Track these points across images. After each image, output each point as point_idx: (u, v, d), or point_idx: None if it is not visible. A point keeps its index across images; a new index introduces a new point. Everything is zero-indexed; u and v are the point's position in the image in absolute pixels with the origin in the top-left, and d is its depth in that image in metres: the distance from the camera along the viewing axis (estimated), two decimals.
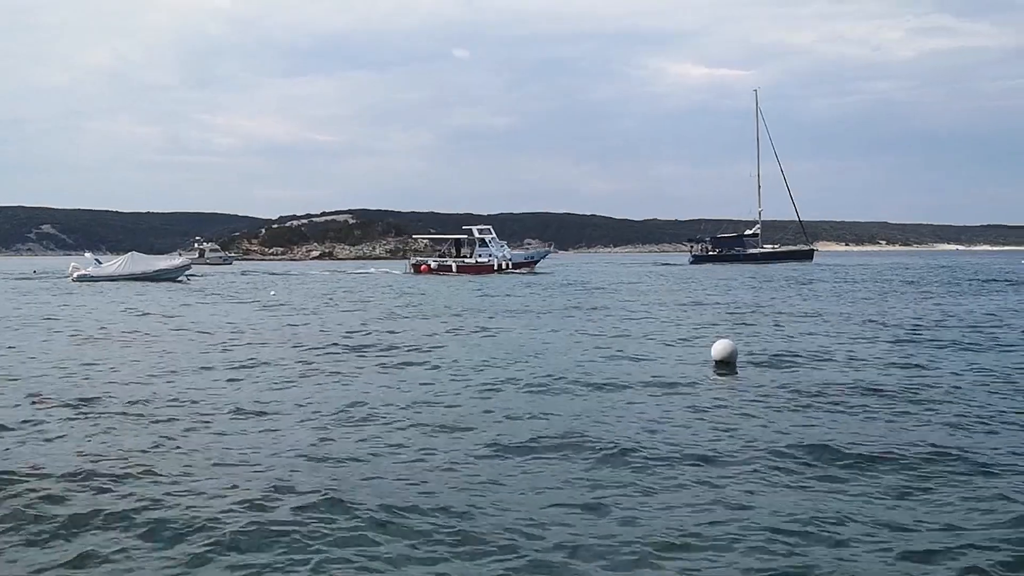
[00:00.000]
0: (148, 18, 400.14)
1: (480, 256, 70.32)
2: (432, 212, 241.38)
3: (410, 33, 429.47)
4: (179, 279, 57.13)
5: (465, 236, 73.50)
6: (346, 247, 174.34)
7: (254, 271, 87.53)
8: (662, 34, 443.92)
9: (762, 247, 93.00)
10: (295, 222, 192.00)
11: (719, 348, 16.25)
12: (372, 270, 77.90)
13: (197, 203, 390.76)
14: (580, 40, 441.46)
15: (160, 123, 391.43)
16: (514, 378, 14.49)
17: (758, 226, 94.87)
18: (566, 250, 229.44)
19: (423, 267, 70.73)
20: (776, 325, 23.71)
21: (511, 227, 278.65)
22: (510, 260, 71.14)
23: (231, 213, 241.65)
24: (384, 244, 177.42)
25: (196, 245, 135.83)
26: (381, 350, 18.68)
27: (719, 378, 14.75)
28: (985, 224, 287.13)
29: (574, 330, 23.10)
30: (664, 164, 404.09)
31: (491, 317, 27.58)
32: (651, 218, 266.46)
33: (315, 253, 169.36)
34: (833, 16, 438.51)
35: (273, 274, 76.46)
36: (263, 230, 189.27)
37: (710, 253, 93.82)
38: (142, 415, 11.42)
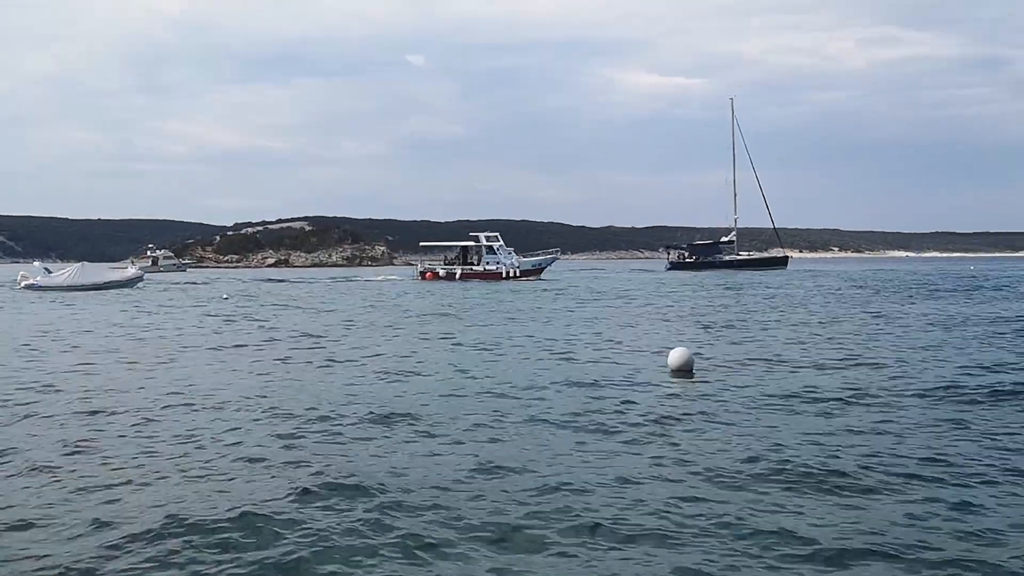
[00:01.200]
0: (90, 24, 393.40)
1: (488, 263, 70.34)
2: (389, 219, 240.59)
3: (364, 41, 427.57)
4: (133, 289, 56.10)
5: (472, 243, 73.12)
6: (302, 254, 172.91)
7: (230, 278, 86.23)
8: (614, 43, 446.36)
9: (738, 254, 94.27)
10: (250, 229, 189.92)
11: (675, 356, 16.28)
12: (380, 278, 77.16)
13: (149, 210, 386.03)
14: (534, 49, 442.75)
15: (110, 130, 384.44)
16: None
17: (734, 233, 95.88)
18: (523, 256, 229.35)
19: (429, 274, 70.94)
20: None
21: (468, 234, 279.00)
22: (518, 267, 71.23)
23: (184, 220, 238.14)
24: (341, 251, 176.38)
25: (149, 253, 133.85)
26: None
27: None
28: (934, 231, 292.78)
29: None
30: (619, 172, 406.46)
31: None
32: (608, 225, 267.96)
33: (270, 260, 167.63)
34: (783, 27, 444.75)
35: (271, 280, 76.61)
36: (217, 237, 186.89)
37: (687, 260, 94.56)
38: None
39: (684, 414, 12.03)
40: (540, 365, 17.54)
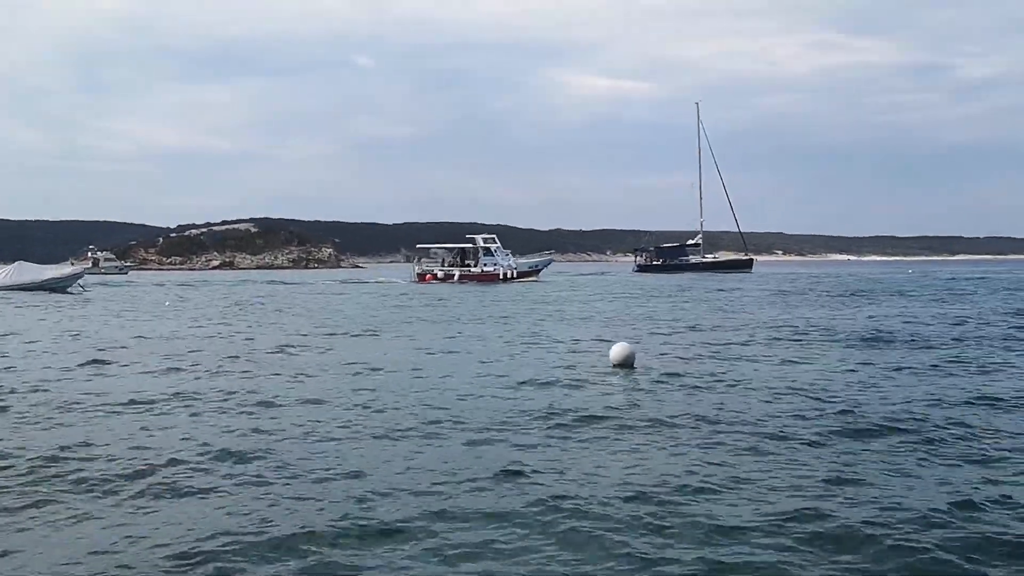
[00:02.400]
0: (30, 22, 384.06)
1: (485, 265, 70.02)
2: (336, 221, 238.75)
3: (311, 40, 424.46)
4: (70, 289, 54.90)
5: (470, 245, 72.80)
6: (247, 256, 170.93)
7: (210, 281, 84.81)
8: (562, 46, 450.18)
9: (703, 257, 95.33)
10: (194, 231, 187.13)
11: (616, 351, 16.44)
12: (381, 279, 76.11)
13: (91, 211, 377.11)
14: (483, 50, 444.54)
15: (50, 128, 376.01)
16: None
17: (700, 236, 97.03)
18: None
19: (428, 276, 70.68)
20: None
21: (416, 236, 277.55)
22: (515, 269, 71.06)
23: (126, 222, 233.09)
24: (288, 253, 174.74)
25: (90, 254, 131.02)
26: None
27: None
28: (874, 235, 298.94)
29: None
30: (566, 174, 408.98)
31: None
32: (556, 228, 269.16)
33: (215, 263, 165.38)
34: (729, 32, 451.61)
35: (274, 282, 75.29)
36: (160, 239, 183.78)
37: (654, 263, 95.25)
38: None
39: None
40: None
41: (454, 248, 75.04)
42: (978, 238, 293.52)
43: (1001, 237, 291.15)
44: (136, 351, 19.58)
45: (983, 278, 64.21)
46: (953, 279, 63.40)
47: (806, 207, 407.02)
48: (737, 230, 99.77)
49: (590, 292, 50.81)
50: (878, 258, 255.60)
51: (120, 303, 42.82)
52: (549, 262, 79.30)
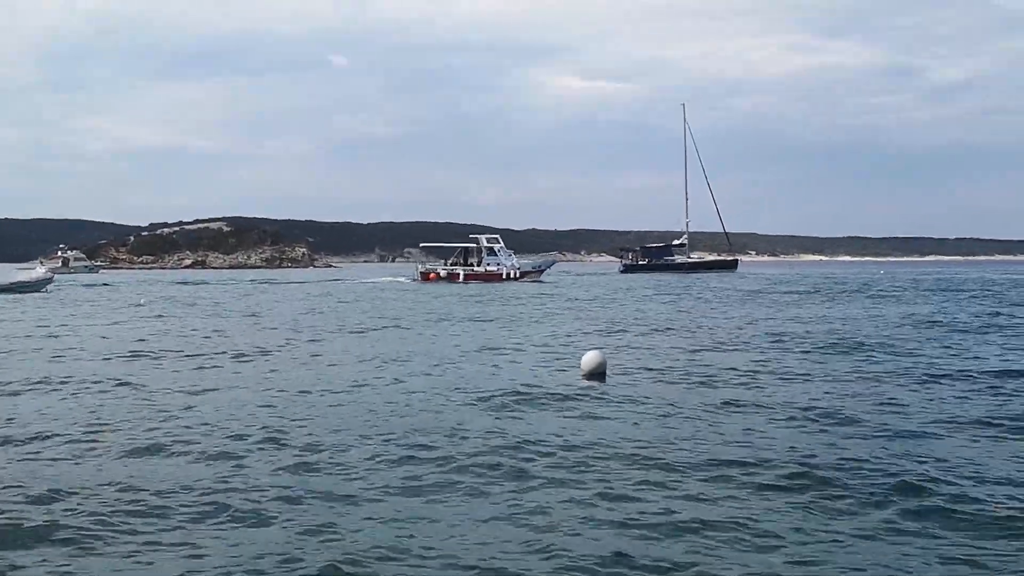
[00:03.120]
0: (3, 19, 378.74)
1: (489, 265, 70.59)
2: (310, 220, 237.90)
3: (289, 39, 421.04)
4: (41, 292, 54.00)
5: (473, 245, 73.23)
6: (220, 256, 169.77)
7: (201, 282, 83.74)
8: (541, 46, 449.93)
9: (689, 257, 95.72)
10: (166, 230, 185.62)
11: (588, 360, 16.27)
12: (388, 278, 75.81)
13: (63, 210, 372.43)
14: (461, 50, 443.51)
15: (22, 126, 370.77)
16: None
17: (685, 236, 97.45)
18: (447, 259, 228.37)
19: (431, 275, 71.25)
20: None
21: (391, 236, 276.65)
22: (519, 269, 71.49)
23: (99, 220, 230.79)
24: (260, 252, 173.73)
25: (60, 253, 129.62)
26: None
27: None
28: (847, 236, 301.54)
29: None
30: (543, 174, 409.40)
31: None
32: (531, 228, 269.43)
33: (187, 262, 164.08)
34: (706, 33, 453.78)
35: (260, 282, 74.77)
36: (132, 238, 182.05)
37: (640, 263, 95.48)
38: None
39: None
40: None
41: (458, 248, 75.38)
42: (947, 239, 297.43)
43: (970, 238, 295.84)
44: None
45: (937, 278, 64.91)
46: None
47: (779, 208, 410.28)
48: (722, 230, 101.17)
49: (586, 292, 50.66)
50: (850, 259, 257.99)
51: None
52: (552, 263, 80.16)
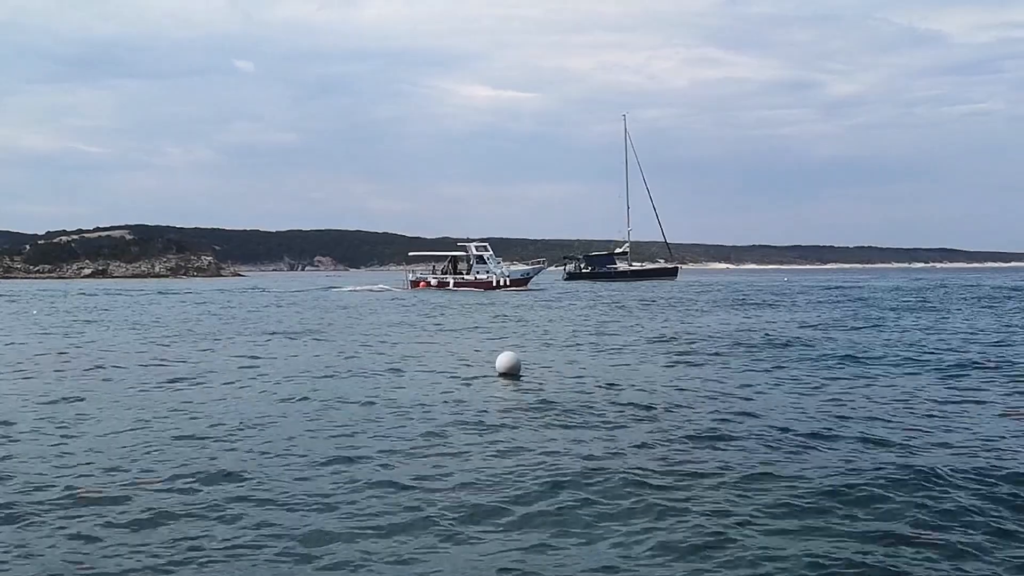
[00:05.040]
0: None
1: (479, 273, 70.89)
2: (216, 228, 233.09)
3: (186, 44, 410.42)
4: None
5: (462, 253, 73.48)
6: (122, 264, 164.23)
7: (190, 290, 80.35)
8: (446, 55, 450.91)
9: (631, 265, 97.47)
10: (64, 238, 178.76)
11: (503, 360, 16.30)
12: (381, 285, 74.05)
13: None
14: (365, 58, 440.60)
15: None
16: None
17: (627, 244, 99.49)
18: (358, 268, 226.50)
19: (421, 283, 71.23)
20: None
21: (300, 244, 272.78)
22: (508, 276, 71.78)
23: None
24: (165, 262, 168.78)
25: None
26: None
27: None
28: (752, 244, 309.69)
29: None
30: (453, 183, 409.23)
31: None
32: (444, 236, 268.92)
33: (87, 271, 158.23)
34: (609, 45, 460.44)
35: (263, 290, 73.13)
36: (27, 246, 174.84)
37: (583, 270, 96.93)
38: None
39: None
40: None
41: (447, 256, 75.94)
42: (848, 247, 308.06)
43: (869, 247, 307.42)
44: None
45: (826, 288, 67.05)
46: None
47: (687, 217, 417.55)
48: (663, 239, 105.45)
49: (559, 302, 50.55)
50: (756, 266, 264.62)
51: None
52: (540, 270, 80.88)
